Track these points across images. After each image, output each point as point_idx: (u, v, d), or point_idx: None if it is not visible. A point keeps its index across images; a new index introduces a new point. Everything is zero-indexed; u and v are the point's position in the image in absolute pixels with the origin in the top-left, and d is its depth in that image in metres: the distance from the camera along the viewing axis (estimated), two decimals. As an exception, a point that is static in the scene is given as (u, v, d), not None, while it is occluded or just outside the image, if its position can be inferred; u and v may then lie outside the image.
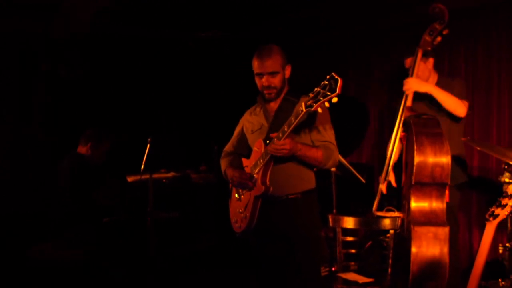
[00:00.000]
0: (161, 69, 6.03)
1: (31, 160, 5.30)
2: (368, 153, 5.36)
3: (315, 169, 3.12)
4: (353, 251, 3.73)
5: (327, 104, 2.64)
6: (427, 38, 3.63)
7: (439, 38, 3.64)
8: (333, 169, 4.30)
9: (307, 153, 2.96)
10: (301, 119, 2.80)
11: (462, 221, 4.51)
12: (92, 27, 5.23)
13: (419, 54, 3.67)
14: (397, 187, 3.71)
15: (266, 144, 3.00)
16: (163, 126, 5.89)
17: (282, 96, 3.13)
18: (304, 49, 5.74)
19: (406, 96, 3.63)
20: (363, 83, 5.47)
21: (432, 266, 2.91)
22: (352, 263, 4.06)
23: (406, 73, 3.99)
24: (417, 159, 3.00)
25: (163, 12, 5.21)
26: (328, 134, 3.06)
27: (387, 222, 3.52)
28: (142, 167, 4.07)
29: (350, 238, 3.72)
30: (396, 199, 3.76)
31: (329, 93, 2.60)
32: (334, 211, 4.38)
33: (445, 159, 3.00)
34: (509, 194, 3.21)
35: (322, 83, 2.64)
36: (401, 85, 3.67)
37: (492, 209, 3.24)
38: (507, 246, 3.42)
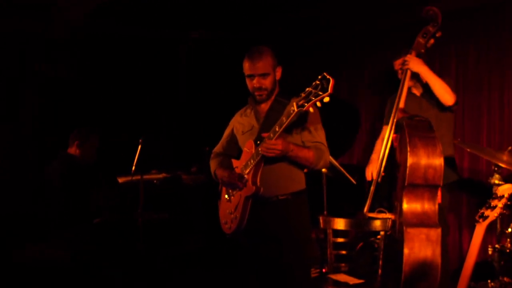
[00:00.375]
0: (153, 69, 6.00)
1: (27, 160, 5.26)
2: (360, 155, 5.36)
3: (305, 170, 3.12)
4: (344, 252, 3.73)
5: (319, 104, 2.64)
6: (421, 40, 3.67)
7: (432, 41, 3.69)
8: (324, 170, 4.30)
9: (299, 153, 2.95)
10: (292, 119, 2.80)
11: (453, 222, 4.53)
12: (86, 27, 5.21)
13: (413, 55, 3.70)
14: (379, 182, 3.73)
15: (257, 145, 2.99)
16: (154, 127, 5.86)
17: (273, 97, 3.14)
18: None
19: (406, 73, 3.69)
20: (355, 83, 5.48)
21: (424, 267, 2.92)
22: (343, 265, 4.05)
23: (395, 75, 4.02)
24: (410, 160, 3.01)
25: (161, 12, 5.20)
26: (319, 135, 3.07)
27: (377, 224, 3.52)
28: (133, 168, 4.05)
29: (341, 240, 3.71)
30: (387, 200, 3.77)
31: (321, 93, 2.60)
32: (325, 212, 4.38)
33: (438, 161, 3.01)
34: (498, 195, 3.23)
35: (314, 83, 2.65)
36: (393, 85, 3.71)
37: (482, 211, 3.26)
38: (497, 247, 3.43)
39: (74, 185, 4.23)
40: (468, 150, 4.03)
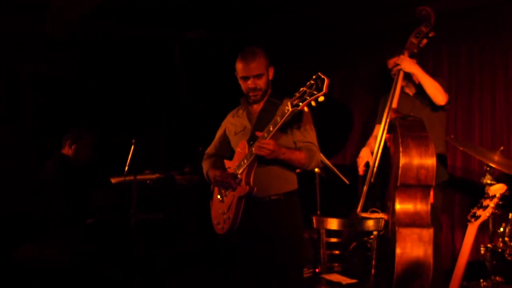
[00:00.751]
0: (147, 70, 5.98)
1: (27, 160, 5.25)
2: (353, 155, 5.37)
3: (298, 170, 3.13)
4: (337, 252, 3.74)
5: (313, 103, 2.65)
6: (414, 40, 3.69)
7: (425, 41, 3.71)
8: (317, 170, 4.31)
9: (291, 156, 2.97)
10: (287, 119, 2.81)
11: (445, 222, 4.55)
12: (84, 26, 5.19)
13: (405, 56, 3.72)
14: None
15: (250, 145, 3.00)
16: (148, 127, 5.85)
17: (265, 98, 3.14)
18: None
19: (399, 73, 3.71)
20: (350, 83, 5.49)
21: (416, 267, 2.93)
22: (336, 264, 4.05)
23: (389, 74, 4.03)
24: (402, 161, 3.02)
25: (159, 11, 5.19)
26: (310, 135, 3.08)
27: (370, 223, 3.54)
28: (126, 168, 4.04)
29: (334, 239, 3.72)
30: (380, 200, 3.78)
31: (315, 92, 2.62)
32: (318, 212, 4.38)
33: (430, 161, 3.02)
34: (490, 195, 3.25)
35: (309, 82, 2.66)
36: (387, 84, 3.73)
37: (474, 210, 3.28)
38: (489, 247, 3.45)
39: (67, 185, 4.22)
40: (461, 148, 4.05)
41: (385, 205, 3.55)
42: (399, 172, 3.01)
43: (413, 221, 3.02)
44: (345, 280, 3.49)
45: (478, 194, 3.40)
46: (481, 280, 3.51)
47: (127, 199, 4.15)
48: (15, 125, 5.25)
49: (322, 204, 4.40)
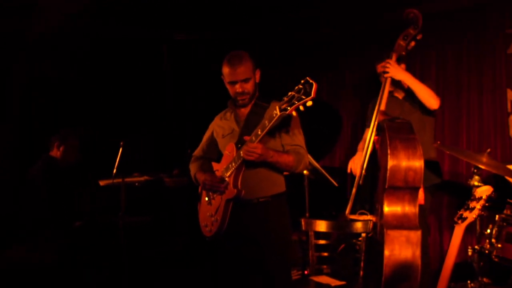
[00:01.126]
0: (135, 71, 5.96)
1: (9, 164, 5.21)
2: (341, 157, 5.39)
3: (286, 173, 3.14)
4: (325, 254, 3.75)
5: (301, 108, 2.66)
6: (401, 42, 3.70)
7: (413, 43, 3.71)
8: (306, 172, 4.31)
9: (279, 159, 2.98)
10: (275, 123, 2.81)
11: (433, 223, 4.58)
12: (70, 27, 5.16)
13: (393, 59, 3.73)
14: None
15: (238, 148, 3.00)
16: (136, 130, 5.83)
17: (253, 101, 3.15)
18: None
19: (385, 81, 3.70)
20: (337, 86, 5.50)
21: (404, 269, 2.94)
22: (325, 266, 4.06)
23: (377, 78, 4.04)
24: (390, 163, 3.02)
25: (151, 12, 5.16)
26: (298, 138, 3.10)
27: (359, 226, 3.54)
28: (115, 170, 4.02)
29: (322, 242, 3.73)
30: (369, 202, 3.79)
31: (304, 97, 2.63)
32: (307, 214, 4.39)
33: (418, 163, 3.03)
34: (476, 197, 3.27)
35: (297, 87, 2.67)
36: (376, 88, 3.73)
37: (461, 212, 3.30)
38: (476, 249, 3.47)
39: (53, 187, 4.20)
40: (448, 152, 4.07)
41: (374, 207, 3.56)
42: (387, 174, 3.02)
43: (401, 223, 3.02)
44: (334, 282, 3.50)
45: (466, 196, 3.42)
46: (469, 282, 3.53)
47: (116, 202, 4.14)
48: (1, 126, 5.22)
49: (311, 206, 4.40)
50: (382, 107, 3.69)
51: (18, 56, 5.32)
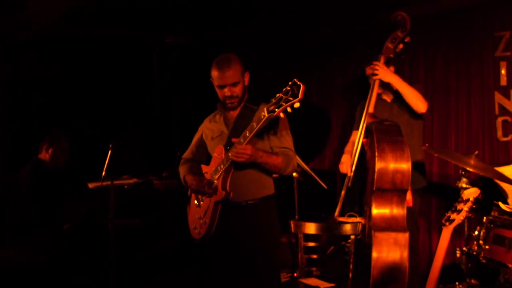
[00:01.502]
0: (124, 73, 5.94)
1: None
2: (331, 160, 5.39)
3: (274, 175, 3.14)
4: (315, 256, 3.75)
5: (289, 109, 2.66)
6: (389, 45, 3.71)
7: (401, 46, 3.73)
8: (295, 175, 4.32)
9: (268, 160, 2.98)
10: (263, 125, 2.82)
11: (422, 225, 4.59)
12: (58, 28, 5.14)
13: (381, 61, 3.74)
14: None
15: (226, 150, 3.00)
16: (125, 132, 5.81)
17: (242, 103, 3.15)
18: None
19: (374, 84, 3.71)
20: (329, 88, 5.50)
21: (392, 271, 2.95)
22: (314, 269, 4.07)
23: (366, 80, 4.06)
24: (378, 165, 3.04)
25: (142, 14, 5.15)
26: (286, 141, 3.10)
27: (348, 228, 3.56)
28: (103, 173, 4.01)
29: (312, 244, 3.74)
30: (358, 205, 3.80)
31: (291, 99, 2.63)
32: (296, 216, 4.39)
33: (405, 166, 3.05)
34: (464, 199, 3.29)
35: (284, 89, 2.67)
36: (365, 90, 3.74)
37: (448, 214, 3.32)
38: (464, 250, 3.49)
39: (41, 190, 4.19)
40: (436, 155, 4.08)
41: (363, 210, 3.58)
42: (375, 176, 3.03)
43: (389, 225, 3.04)
44: (323, 284, 3.50)
45: (454, 198, 3.44)
46: (457, 283, 3.55)
47: (105, 204, 4.12)
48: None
49: (300, 209, 4.41)
50: (371, 110, 3.70)
51: (5, 57, 5.30)
